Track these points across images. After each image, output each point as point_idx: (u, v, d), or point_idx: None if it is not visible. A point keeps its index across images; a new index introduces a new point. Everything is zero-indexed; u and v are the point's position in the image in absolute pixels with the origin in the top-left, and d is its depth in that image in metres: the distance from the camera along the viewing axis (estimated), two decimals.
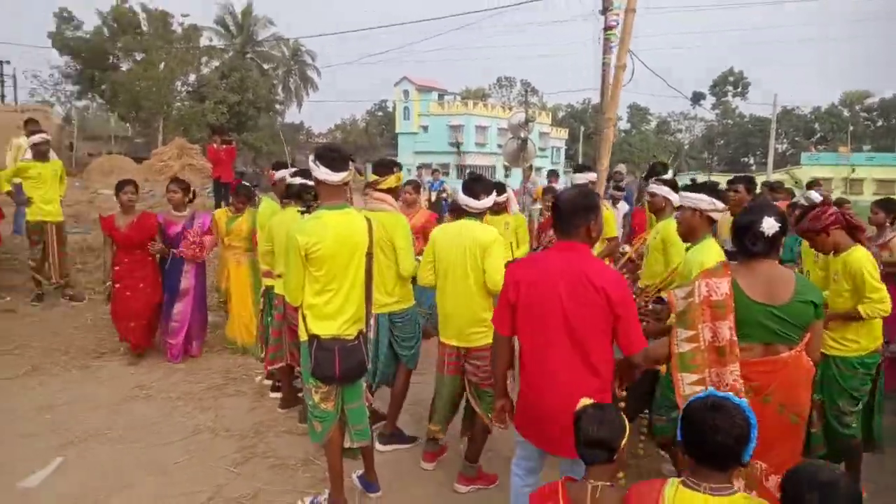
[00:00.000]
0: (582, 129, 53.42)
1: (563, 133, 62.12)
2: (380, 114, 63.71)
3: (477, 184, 3.87)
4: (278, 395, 5.06)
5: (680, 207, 3.68)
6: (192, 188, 6.02)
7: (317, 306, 3.29)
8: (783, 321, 2.67)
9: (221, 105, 32.63)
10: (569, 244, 2.75)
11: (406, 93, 54.05)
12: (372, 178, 4.21)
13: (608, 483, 2.28)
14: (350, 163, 3.32)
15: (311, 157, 3.31)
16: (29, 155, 7.78)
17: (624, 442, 2.31)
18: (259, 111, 37.24)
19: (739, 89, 66.66)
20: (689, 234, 3.62)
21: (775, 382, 2.68)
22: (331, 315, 3.30)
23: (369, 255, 3.45)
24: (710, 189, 3.64)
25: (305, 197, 4.29)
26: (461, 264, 3.72)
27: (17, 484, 3.74)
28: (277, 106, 44.17)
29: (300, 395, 4.90)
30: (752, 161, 67.95)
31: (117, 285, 5.71)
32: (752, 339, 2.70)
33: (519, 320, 2.82)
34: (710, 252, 3.47)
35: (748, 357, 2.70)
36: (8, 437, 4.30)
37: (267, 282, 5.08)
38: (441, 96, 55.70)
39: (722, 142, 68.87)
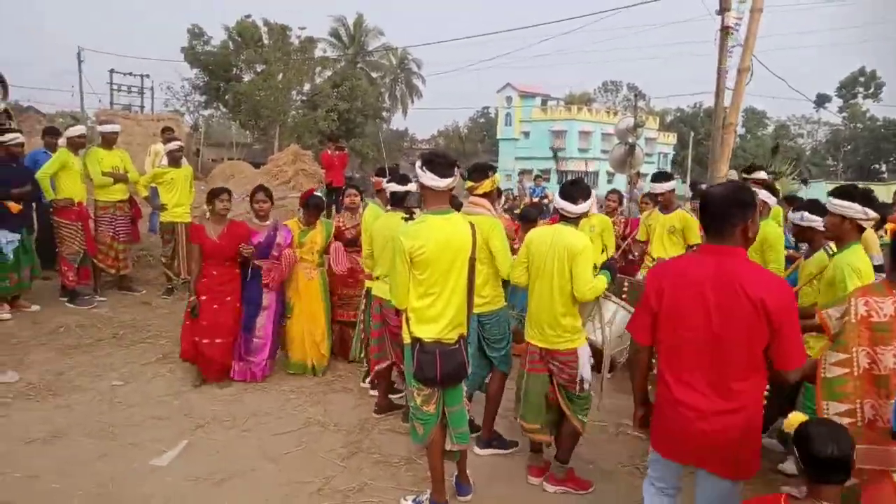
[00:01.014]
0: (692, 134, 51.00)
1: (671, 138, 59.75)
2: (482, 120, 64.10)
3: (575, 188, 3.82)
4: (377, 393, 5.15)
5: (825, 212, 3.56)
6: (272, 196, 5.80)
7: (420, 309, 3.36)
8: None
9: (332, 113, 34.04)
10: (720, 247, 2.47)
11: (509, 99, 54.07)
12: (468, 183, 4.25)
13: None
14: (455, 168, 3.37)
15: (418, 163, 3.38)
16: (165, 161, 8.48)
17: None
18: (367, 118, 38.53)
19: (871, 90, 61.31)
20: (836, 241, 3.51)
21: None
22: (433, 318, 3.36)
23: (472, 261, 3.48)
24: (863, 197, 3.43)
25: (408, 204, 4.40)
26: (550, 267, 3.72)
27: (150, 461, 4.08)
28: (384, 113, 45.50)
29: (396, 400, 5.04)
30: (883, 168, 62.17)
31: (203, 298, 5.29)
32: None
33: (661, 331, 2.63)
34: (862, 258, 3.27)
35: None
36: (142, 419, 4.70)
37: (368, 284, 5.20)
38: (544, 101, 55.22)
39: (849, 147, 63.55)
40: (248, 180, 18.25)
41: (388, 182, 4.86)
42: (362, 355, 5.48)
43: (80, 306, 7.40)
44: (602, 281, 3.76)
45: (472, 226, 3.53)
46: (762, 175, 6.36)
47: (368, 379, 5.36)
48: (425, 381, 3.40)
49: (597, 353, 4.01)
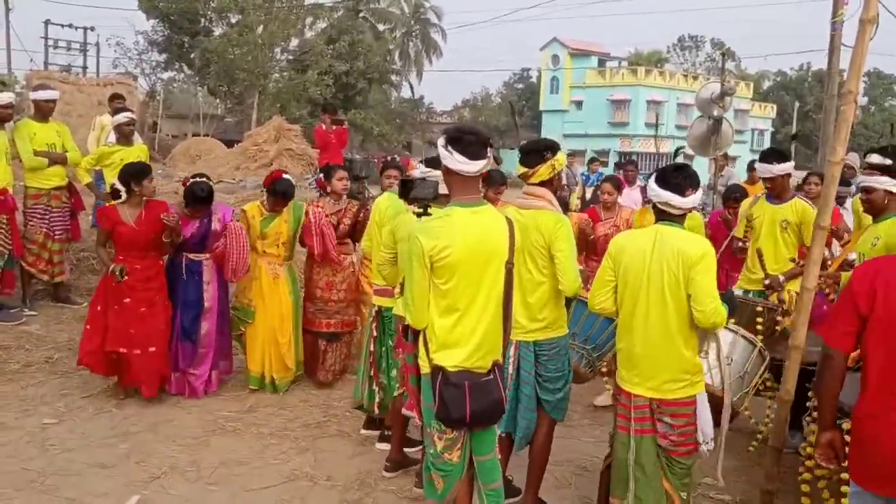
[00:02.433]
0: (797, 105, 50.65)
1: (769, 110, 59.22)
2: (520, 86, 64.16)
3: (680, 174, 3.68)
4: (386, 445, 5.14)
5: None
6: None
7: (442, 329, 3.37)
8: None
9: (326, 76, 34.31)
10: None
11: (556, 58, 54.16)
12: (520, 169, 4.22)
13: None
14: (488, 149, 3.38)
15: (441, 142, 3.40)
16: (113, 137, 8.60)
17: None
18: (370, 83, 38.80)
19: None
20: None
21: None
22: (459, 341, 3.37)
23: (509, 267, 3.48)
24: None
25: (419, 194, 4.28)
26: (658, 287, 3.57)
27: None
28: (393, 77, 45.77)
29: (412, 453, 4.98)
30: None
31: (126, 301, 5.63)
32: None
33: (870, 337, 2.90)
34: None
35: None
36: (81, 467, 4.75)
37: (381, 301, 5.11)
38: (602, 62, 55.24)
39: None
40: (219, 161, 18.45)
41: (425, 166, 4.71)
42: (370, 397, 5.25)
43: (4, 321, 7.53)
44: (723, 307, 3.66)
45: (510, 221, 3.53)
46: (885, 161, 6.21)
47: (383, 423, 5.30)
48: (450, 421, 3.39)
49: (711, 400, 3.84)
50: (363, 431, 5.47)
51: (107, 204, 5.95)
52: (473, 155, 3.34)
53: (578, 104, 53.47)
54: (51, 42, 33.17)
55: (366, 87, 38.45)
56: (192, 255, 5.94)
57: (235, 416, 5.70)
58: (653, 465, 3.65)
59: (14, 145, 7.70)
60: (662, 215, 3.71)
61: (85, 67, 34.11)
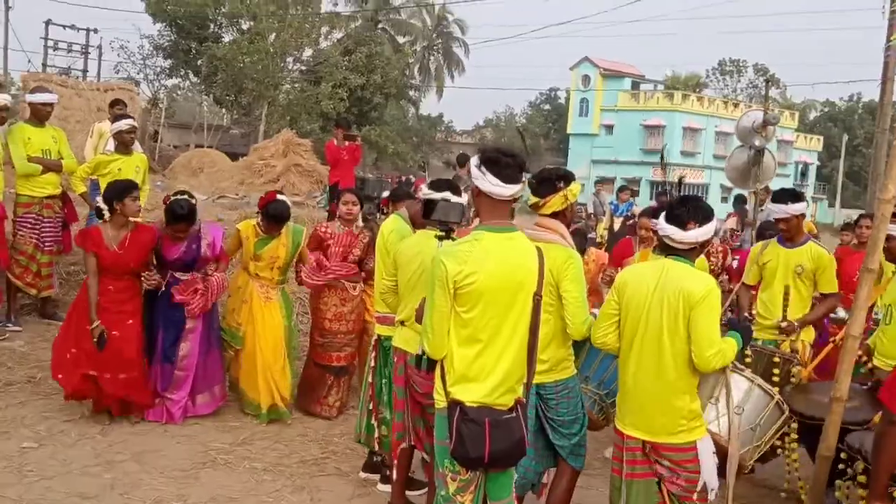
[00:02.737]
0: (845, 137, 50.59)
1: (815, 143, 59.12)
2: (546, 107, 64.64)
3: (683, 207, 3.81)
4: (388, 488, 5.08)
5: None
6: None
7: (462, 361, 3.40)
8: None
9: (341, 89, 34.64)
10: None
11: (586, 79, 54.46)
12: (531, 199, 4.25)
13: None
14: (522, 174, 3.46)
15: (474, 162, 3.48)
16: (111, 145, 8.69)
17: None
18: (387, 99, 39.12)
19: None
20: None
21: None
22: (479, 374, 3.40)
23: (537, 298, 3.52)
24: None
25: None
26: (656, 324, 3.65)
27: None
28: (411, 93, 46.15)
29: (415, 497, 4.95)
30: None
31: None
32: None
33: None
34: None
35: None
36: (61, 496, 4.75)
37: (381, 330, 5.11)
38: (636, 85, 55.48)
39: None
40: (222, 174, 18.62)
41: (427, 188, 4.79)
42: (369, 431, 5.23)
43: None
44: (731, 345, 3.72)
45: (540, 252, 3.58)
46: None
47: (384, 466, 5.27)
48: (467, 461, 3.39)
49: (718, 450, 3.88)
50: (362, 475, 5.42)
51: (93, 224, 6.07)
52: (508, 178, 3.42)
53: (609, 128, 53.65)
54: (51, 43, 33.64)
55: (382, 103, 38.77)
56: (178, 274, 5.95)
57: (228, 447, 5.68)
58: None
59: (6, 149, 7.79)
60: (669, 249, 3.79)
61: (85, 71, 34.52)
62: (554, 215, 4.20)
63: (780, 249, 5.86)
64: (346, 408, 6.52)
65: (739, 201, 14.60)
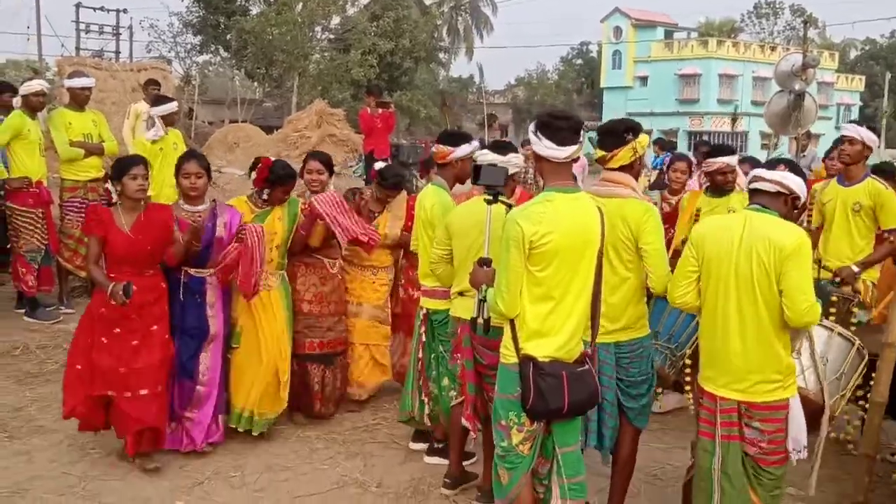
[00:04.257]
0: (888, 76, 49.16)
1: (858, 83, 57.65)
2: (579, 62, 63.60)
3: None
4: (436, 460, 5.11)
5: None
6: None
7: (535, 318, 3.54)
8: None
9: (370, 56, 34.47)
10: None
11: (618, 30, 53.60)
12: (598, 153, 4.18)
13: None
14: (580, 135, 3.56)
15: (532, 128, 3.61)
16: (151, 130, 8.71)
17: None
18: (417, 63, 38.86)
19: None
20: None
21: None
22: (551, 330, 3.55)
23: (600, 256, 3.64)
24: None
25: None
26: (747, 280, 3.52)
27: None
28: (441, 55, 45.79)
29: (469, 465, 4.97)
30: None
31: (116, 331, 4.79)
32: None
33: None
34: None
35: None
36: (124, 472, 4.89)
37: (429, 304, 5.02)
38: (669, 34, 54.51)
39: None
40: (258, 149, 18.72)
41: (481, 151, 4.63)
42: (421, 408, 5.14)
43: (42, 320, 7.79)
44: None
45: (600, 210, 3.65)
46: None
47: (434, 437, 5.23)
48: (546, 412, 3.54)
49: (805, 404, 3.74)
50: (413, 445, 5.42)
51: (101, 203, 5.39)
52: (562, 141, 3.52)
53: (643, 80, 52.86)
54: (82, 26, 33.99)
55: (412, 67, 38.52)
56: (192, 271, 5.11)
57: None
58: (740, 474, 3.58)
59: (47, 136, 7.91)
60: (755, 197, 3.67)
61: (118, 52, 34.84)
62: (622, 168, 4.13)
63: (839, 188, 5.73)
64: (344, 402, 6.01)
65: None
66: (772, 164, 3.70)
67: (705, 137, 36.91)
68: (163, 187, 7.98)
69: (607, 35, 54.32)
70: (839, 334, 3.99)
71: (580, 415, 3.74)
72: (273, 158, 5.54)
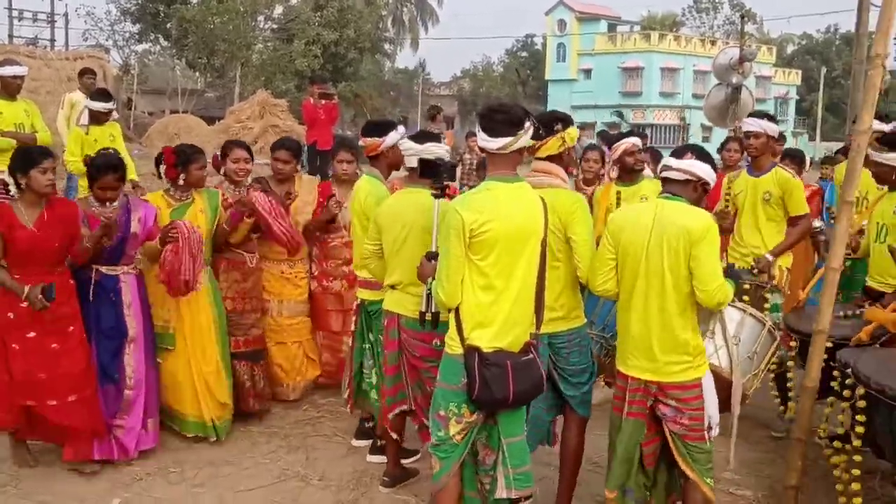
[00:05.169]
0: (823, 70, 50.43)
1: (794, 77, 59.02)
2: (523, 55, 63.92)
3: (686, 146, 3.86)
4: (379, 458, 5.02)
5: None
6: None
7: (478, 308, 3.55)
8: None
9: (314, 46, 34.26)
10: None
11: (562, 23, 54.00)
12: (529, 142, 4.19)
13: None
14: (519, 127, 3.56)
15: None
16: (85, 118, 8.58)
17: None
18: (362, 53, 38.67)
19: None
20: None
21: None
22: (494, 320, 3.56)
23: (544, 244, 3.67)
24: None
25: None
26: (657, 265, 3.66)
27: None
28: (386, 46, 45.62)
29: (409, 464, 4.95)
30: None
31: (31, 335, 4.49)
32: None
33: None
34: None
35: None
36: (57, 470, 4.81)
37: (366, 294, 4.98)
38: (612, 27, 55.06)
39: None
40: (200, 141, 18.44)
41: (407, 140, 4.63)
42: (364, 397, 5.14)
43: None
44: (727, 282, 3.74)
45: (543, 200, 3.69)
46: (886, 126, 6.18)
47: (376, 433, 5.15)
48: (492, 402, 3.55)
49: (719, 382, 3.90)
50: (355, 442, 5.38)
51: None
52: (493, 132, 3.55)
53: (587, 73, 53.32)
54: (15, 13, 33.06)
55: (357, 58, 38.33)
56: (104, 269, 4.80)
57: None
58: (629, 448, 3.82)
59: None
60: (666, 186, 3.82)
61: (53, 40, 34.06)
62: (550, 158, 4.17)
63: (748, 177, 5.87)
64: (273, 399, 5.90)
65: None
66: (680, 152, 3.81)
67: (647, 131, 37.47)
68: None
69: (552, 28, 54.68)
70: (751, 315, 4.11)
71: (525, 404, 3.75)
72: (182, 147, 5.42)
